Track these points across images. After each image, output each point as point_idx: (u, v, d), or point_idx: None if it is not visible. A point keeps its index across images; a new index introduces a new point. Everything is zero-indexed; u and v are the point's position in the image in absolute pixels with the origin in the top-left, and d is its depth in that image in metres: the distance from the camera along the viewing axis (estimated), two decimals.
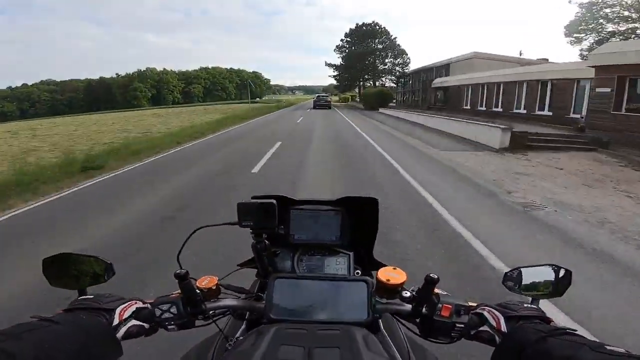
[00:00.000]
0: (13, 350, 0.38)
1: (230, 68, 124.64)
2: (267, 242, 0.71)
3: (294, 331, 0.55)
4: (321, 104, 31.64)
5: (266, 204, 0.66)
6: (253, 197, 0.75)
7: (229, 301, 0.68)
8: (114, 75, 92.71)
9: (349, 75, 47.43)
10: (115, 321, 0.55)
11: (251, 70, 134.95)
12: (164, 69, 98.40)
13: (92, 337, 0.48)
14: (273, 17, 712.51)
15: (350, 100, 54.01)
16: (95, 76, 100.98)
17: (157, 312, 0.61)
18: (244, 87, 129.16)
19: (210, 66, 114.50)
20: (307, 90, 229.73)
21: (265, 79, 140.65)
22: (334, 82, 44.01)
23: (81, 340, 0.46)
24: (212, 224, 0.71)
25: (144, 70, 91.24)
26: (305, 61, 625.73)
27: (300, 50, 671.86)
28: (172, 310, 0.61)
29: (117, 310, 0.56)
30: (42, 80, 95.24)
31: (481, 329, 0.59)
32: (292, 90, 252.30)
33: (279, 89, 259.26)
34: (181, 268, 0.62)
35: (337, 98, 77.43)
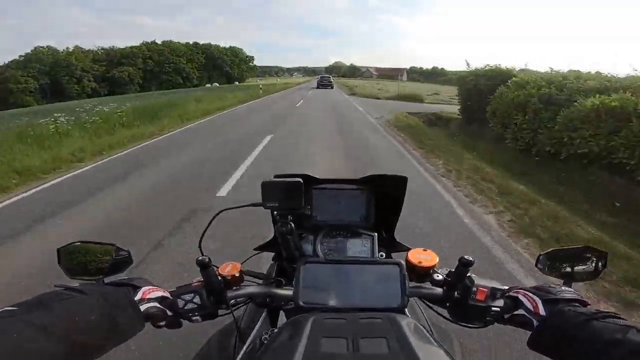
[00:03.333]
0: (45, 322, 0.37)
1: (195, 43, 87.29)
2: (292, 224, 0.66)
3: (333, 321, 0.51)
4: (324, 84, 34.48)
5: (292, 182, 0.61)
6: (276, 176, 0.70)
7: (251, 289, 0.65)
8: None
9: None
10: (138, 297, 0.53)
11: (227, 46, 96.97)
12: (76, 46, 62.31)
13: (117, 308, 0.47)
14: None
15: None
16: None
17: (180, 303, 0.58)
18: (214, 67, 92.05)
19: (159, 41, 77.47)
20: (307, 71, 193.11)
21: (247, 56, 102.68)
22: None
23: (107, 310, 0.45)
24: (234, 206, 0.68)
25: (31, 52, 54.89)
26: (307, 42, 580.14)
27: (302, 32, 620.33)
28: (195, 300, 0.58)
29: (142, 289, 0.55)
30: None
31: (516, 312, 0.56)
32: (290, 71, 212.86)
33: (277, 70, 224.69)
34: (203, 254, 0.59)
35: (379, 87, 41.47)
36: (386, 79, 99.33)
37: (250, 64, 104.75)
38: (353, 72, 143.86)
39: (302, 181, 0.62)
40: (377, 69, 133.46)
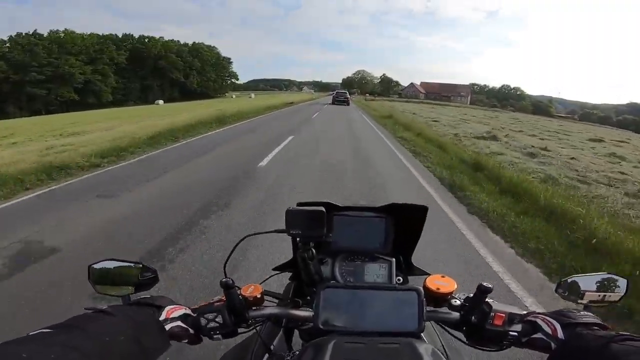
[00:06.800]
0: (79, 343, 0.40)
1: (123, 35, 54.05)
2: (313, 250, 0.69)
3: (353, 345, 0.53)
4: (340, 100, 30.07)
5: (315, 211, 0.64)
6: (299, 204, 0.72)
7: (271, 309, 0.67)
8: None
9: None
10: (162, 317, 0.55)
11: (188, 42, 63.01)
12: None
13: (143, 329, 0.49)
14: (292, 11, 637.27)
15: None
16: None
17: (203, 322, 0.60)
18: (155, 74, 57.96)
19: (44, 32, 45.59)
20: (321, 86, 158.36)
21: (224, 57, 68.61)
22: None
23: (133, 331, 0.47)
24: (259, 232, 0.72)
25: None
26: (323, 57, 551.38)
27: (319, 46, 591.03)
28: (217, 319, 0.60)
29: (166, 309, 0.57)
30: None
31: (534, 336, 0.56)
32: (299, 86, 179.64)
33: (287, 84, 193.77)
34: (226, 276, 0.62)
35: None
36: (439, 100, 61.30)
37: (227, 72, 70.27)
38: (387, 87, 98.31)
39: (324, 210, 0.63)
40: (425, 85, 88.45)
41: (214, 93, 63.06)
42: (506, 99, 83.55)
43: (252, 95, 52.24)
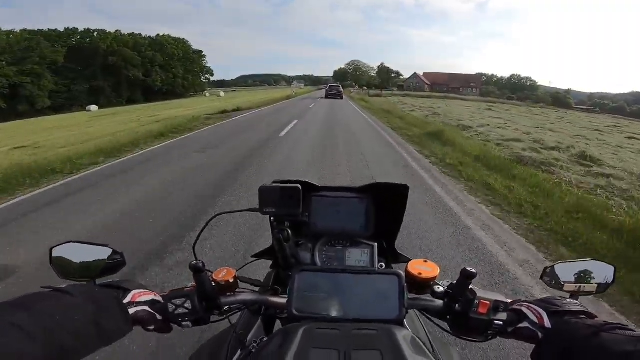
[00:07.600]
0: (22, 322, 0.37)
1: (65, 29, 45.91)
2: (289, 231, 0.65)
3: (326, 331, 0.50)
4: (333, 94, 28.87)
5: (290, 188, 0.60)
6: (274, 182, 0.69)
7: (246, 295, 0.63)
8: None
9: None
10: (127, 300, 0.52)
11: (151, 35, 54.74)
12: None
13: (103, 308, 0.46)
14: (282, 8, 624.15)
15: None
16: None
17: (171, 308, 0.56)
18: (107, 71, 49.14)
19: None
20: (312, 80, 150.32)
21: (194, 50, 60.12)
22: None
23: (92, 310, 0.44)
24: (230, 211, 0.69)
25: None
26: (316, 52, 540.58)
27: (310, 43, 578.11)
28: (186, 305, 0.56)
29: (132, 292, 0.54)
30: None
31: (520, 325, 0.54)
32: (289, 80, 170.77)
33: (277, 79, 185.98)
34: (197, 259, 0.57)
35: None
36: (447, 93, 52.16)
37: (199, 68, 61.76)
38: (386, 79, 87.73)
39: (300, 187, 0.60)
40: (429, 76, 77.10)
41: (184, 91, 54.93)
42: (519, 90, 74.88)
43: (222, 94, 44.49)
